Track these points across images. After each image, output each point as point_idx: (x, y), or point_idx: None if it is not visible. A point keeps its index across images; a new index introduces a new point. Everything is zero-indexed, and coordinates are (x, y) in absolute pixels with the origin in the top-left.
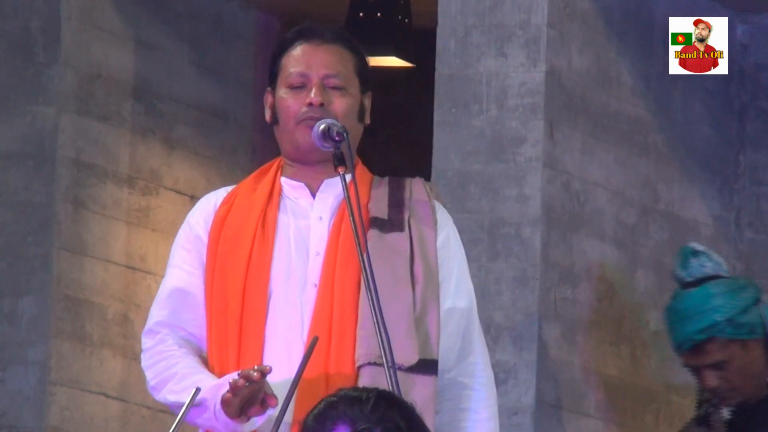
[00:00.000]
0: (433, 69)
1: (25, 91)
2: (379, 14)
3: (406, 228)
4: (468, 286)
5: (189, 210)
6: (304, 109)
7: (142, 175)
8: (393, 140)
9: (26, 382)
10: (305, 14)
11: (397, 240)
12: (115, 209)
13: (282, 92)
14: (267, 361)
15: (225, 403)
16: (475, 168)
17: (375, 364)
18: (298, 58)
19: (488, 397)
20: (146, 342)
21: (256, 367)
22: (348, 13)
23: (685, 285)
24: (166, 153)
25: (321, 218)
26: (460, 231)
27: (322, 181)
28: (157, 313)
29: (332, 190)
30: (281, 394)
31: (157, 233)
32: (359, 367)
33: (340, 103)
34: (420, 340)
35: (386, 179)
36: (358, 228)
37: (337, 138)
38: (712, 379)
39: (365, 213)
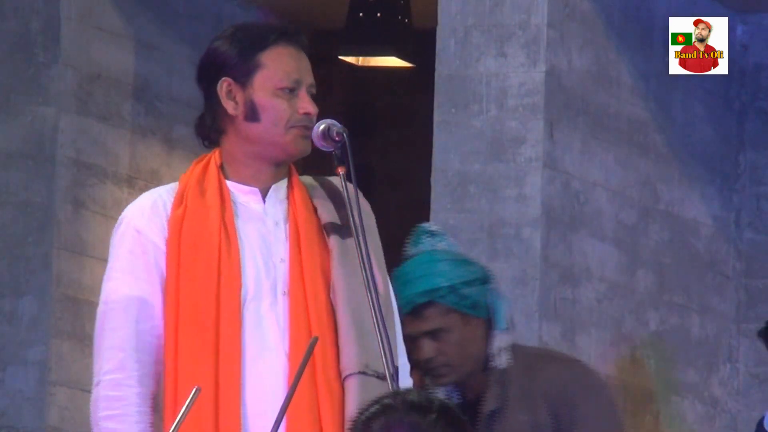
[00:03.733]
0: (433, 69)
1: (25, 91)
2: (379, 14)
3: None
4: (386, 276)
5: None
6: (298, 116)
7: (142, 175)
8: (393, 140)
9: (26, 382)
10: (305, 14)
11: (354, 245)
12: (115, 209)
13: (266, 93)
14: (248, 368)
15: None
16: (475, 168)
17: (362, 373)
18: (288, 62)
19: None
20: (100, 392)
21: None
22: (348, 13)
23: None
24: (166, 153)
25: (277, 223)
26: (460, 231)
27: (269, 186)
28: (113, 326)
29: (277, 194)
30: (270, 400)
31: None
32: (345, 378)
33: (316, 112)
34: (393, 347)
35: (310, 178)
36: (359, 233)
37: (336, 138)
38: (428, 349)
39: (315, 216)
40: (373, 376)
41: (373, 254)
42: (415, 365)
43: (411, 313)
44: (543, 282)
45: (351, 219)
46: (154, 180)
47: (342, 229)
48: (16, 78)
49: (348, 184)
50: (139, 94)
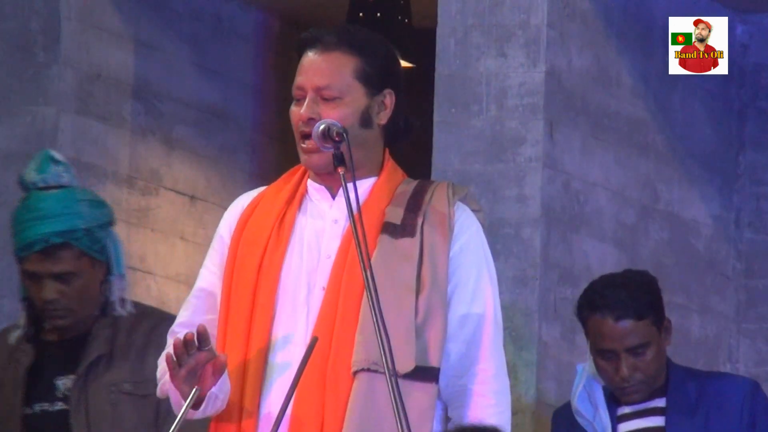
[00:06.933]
0: (433, 69)
1: (25, 91)
2: (379, 14)
3: (418, 234)
4: (486, 293)
5: (188, 210)
6: (300, 123)
7: (142, 175)
8: None
9: None
10: (305, 14)
11: (407, 245)
12: (114, 209)
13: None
14: (271, 361)
15: (171, 373)
16: (475, 168)
17: (370, 370)
18: (299, 70)
19: (496, 404)
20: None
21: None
22: (348, 13)
23: (41, 189)
24: (166, 153)
25: (337, 221)
26: None
27: (341, 186)
28: (181, 313)
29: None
30: (281, 395)
31: (157, 233)
32: (355, 373)
33: (330, 115)
34: (419, 348)
35: (415, 182)
36: (358, 230)
37: (336, 138)
38: (52, 290)
39: (381, 217)
40: (382, 373)
41: (428, 253)
42: (36, 304)
43: (42, 251)
44: (543, 282)
45: (351, 220)
46: (154, 180)
47: (396, 228)
48: (16, 78)
49: (348, 184)
50: (139, 94)
